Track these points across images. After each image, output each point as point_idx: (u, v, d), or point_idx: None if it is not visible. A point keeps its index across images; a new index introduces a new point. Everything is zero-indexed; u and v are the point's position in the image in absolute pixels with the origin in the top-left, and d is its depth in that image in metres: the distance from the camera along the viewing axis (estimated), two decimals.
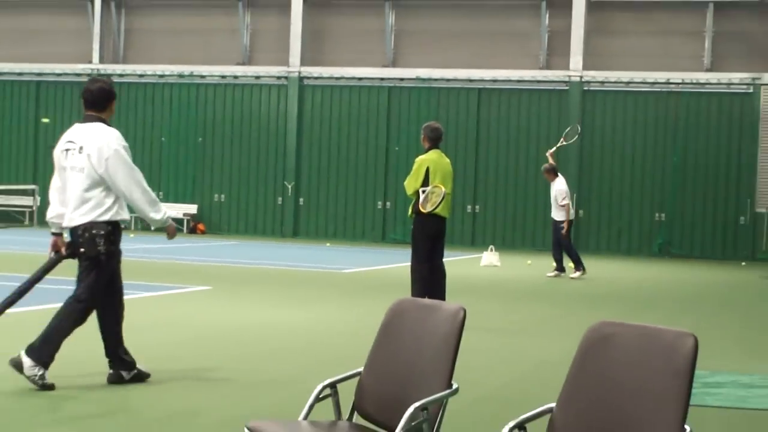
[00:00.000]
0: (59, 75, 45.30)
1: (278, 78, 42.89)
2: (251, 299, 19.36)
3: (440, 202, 16.18)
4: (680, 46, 39.90)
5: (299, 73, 42.53)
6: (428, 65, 41.47)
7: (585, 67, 40.01)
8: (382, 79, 41.99)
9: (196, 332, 14.76)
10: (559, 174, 27.54)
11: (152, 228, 10.88)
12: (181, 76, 44.00)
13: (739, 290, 26.30)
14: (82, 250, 10.48)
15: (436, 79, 41.35)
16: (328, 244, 38.56)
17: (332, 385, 6.14)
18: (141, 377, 10.80)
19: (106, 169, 10.30)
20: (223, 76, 43.53)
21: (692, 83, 39.44)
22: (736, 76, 39.14)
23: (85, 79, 43.81)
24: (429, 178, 16.33)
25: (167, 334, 14.63)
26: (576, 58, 40.06)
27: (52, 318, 10.53)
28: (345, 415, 6.24)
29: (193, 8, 44.23)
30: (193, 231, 42.63)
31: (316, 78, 42.56)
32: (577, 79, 40.02)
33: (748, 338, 16.77)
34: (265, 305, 18.30)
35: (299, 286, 22.54)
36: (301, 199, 42.16)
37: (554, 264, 27.48)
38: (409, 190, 16.64)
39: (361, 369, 6.24)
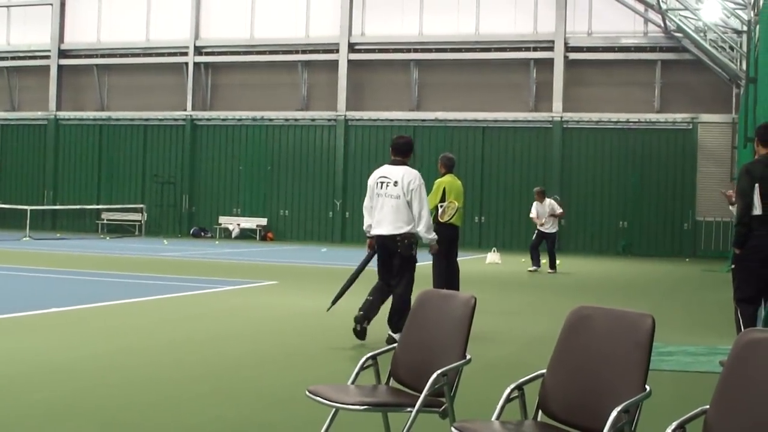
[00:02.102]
0: (161, 120, 45.51)
1: (329, 120, 42.96)
2: (309, 290, 19.34)
3: (454, 214, 16.23)
4: (636, 94, 39.80)
5: (345, 116, 42.61)
6: (444, 109, 41.51)
7: (564, 110, 39.97)
8: (408, 120, 42.03)
9: (267, 315, 14.76)
10: (546, 197, 27.40)
11: (424, 242, 12.60)
12: (254, 119, 44.13)
13: (684, 280, 26.16)
14: (399, 251, 11.98)
15: (450, 120, 41.36)
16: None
17: (373, 357, 6.11)
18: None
19: (411, 197, 11.91)
20: (287, 119, 43.64)
21: (645, 122, 39.32)
22: (678, 117, 39.03)
23: (182, 123, 44.15)
24: (446, 195, 16.35)
25: (244, 317, 14.63)
26: (557, 104, 40.02)
27: (393, 301, 12.17)
28: (383, 380, 6.22)
29: (263, 67, 44.35)
30: (264, 238, 42.68)
31: (358, 120, 42.63)
32: (558, 119, 39.97)
33: (692, 317, 16.68)
34: (320, 295, 18.24)
35: (345, 279, 22.46)
36: (347, 213, 42.24)
37: (546, 262, 27.20)
38: (430, 205, 16.62)
39: (395, 344, 6.23)
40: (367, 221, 12.30)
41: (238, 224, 43.25)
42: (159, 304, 16.18)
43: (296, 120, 43.49)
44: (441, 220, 16.30)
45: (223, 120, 44.59)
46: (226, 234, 43.24)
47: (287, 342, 12.16)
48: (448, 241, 16.63)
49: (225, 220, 43.74)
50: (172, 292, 17.87)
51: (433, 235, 12.33)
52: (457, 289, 15.85)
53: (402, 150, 12.36)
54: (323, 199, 42.70)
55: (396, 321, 11.97)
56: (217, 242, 39.81)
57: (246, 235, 43.00)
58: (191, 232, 43.94)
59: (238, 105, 44.61)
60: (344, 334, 13.02)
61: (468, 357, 5.71)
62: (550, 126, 40.12)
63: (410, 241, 11.99)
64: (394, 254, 12.04)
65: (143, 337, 12.19)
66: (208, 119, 44.80)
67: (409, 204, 11.95)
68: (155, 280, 20.48)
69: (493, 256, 30.79)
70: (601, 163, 39.82)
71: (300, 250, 35.48)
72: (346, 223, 42.23)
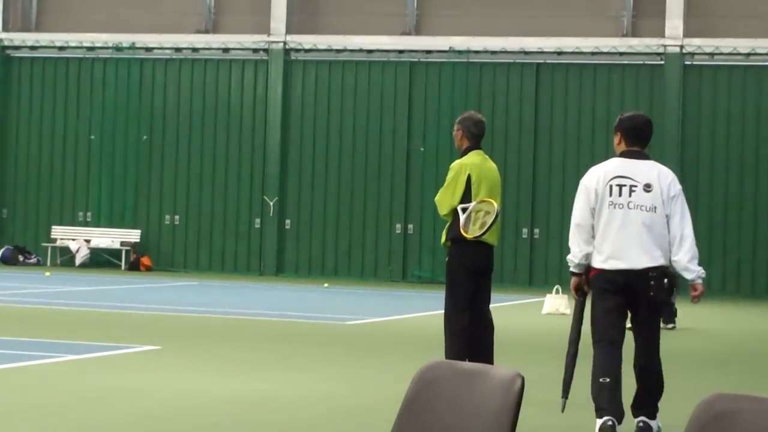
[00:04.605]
0: None
1: (255, 51, 43.04)
2: (216, 363, 19.38)
3: (491, 225, 16.07)
4: None
5: (284, 44, 42.63)
6: (465, 32, 41.58)
7: (687, 34, 40.08)
8: (400, 51, 42.09)
9: (139, 409, 14.77)
10: None
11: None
12: (118, 48, 44.14)
13: None
14: (652, 294, 13.04)
15: (476, 52, 41.43)
16: (325, 285, 38.53)
17: None
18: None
19: (671, 209, 13.09)
20: (178, 49, 43.71)
21: None
22: None
23: None
24: (471, 190, 16.29)
25: (102, 411, 14.63)
26: (674, 22, 40.13)
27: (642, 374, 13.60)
28: None
29: None
30: (134, 267, 42.64)
31: (308, 51, 42.69)
32: (676, 49, 40.09)
33: None
34: (236, 372, 18.30)
35: (285, 343, 22.56)
36: (288, 221, 42.26)
37: None
38: (444, 209, 16.60)
39: None
40: (580, 247, 13.32)
41: (87, 241, 43.25)
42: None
43: (195, 50, 43.55)
44: (465, 236, 16.27)
45: (60, 49, 44.62)
46: (65, 259, 43.25)
47: None
48: (476, 273, 16.71)
49: (62, 234, 43.73)
50: None
51: (699, 270, 13.33)
52: (491, 360, 15.96)
53: (646, 134, 13.51)
54: (245, 197, 42.74)
55: (652, 399, 13.61)
56: (47, 273, 39.76)
57: (101, 260, 43.01)
58: (1, 255, 43.96)
59: (88, 23, 44.60)
60: None
61: None
62: (661, 62, 40.27)
63: (671, 279, 13.11)
64: (642, 301, 13.17)
65: None
66: (31, 47, 44.82)
67: (667, 219, 13.09)
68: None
69: (555, 301, 30.84)
70: (756, 129, 39.86)
71: (200, 289, 35.51)
72: (287, 240, 42.24)
